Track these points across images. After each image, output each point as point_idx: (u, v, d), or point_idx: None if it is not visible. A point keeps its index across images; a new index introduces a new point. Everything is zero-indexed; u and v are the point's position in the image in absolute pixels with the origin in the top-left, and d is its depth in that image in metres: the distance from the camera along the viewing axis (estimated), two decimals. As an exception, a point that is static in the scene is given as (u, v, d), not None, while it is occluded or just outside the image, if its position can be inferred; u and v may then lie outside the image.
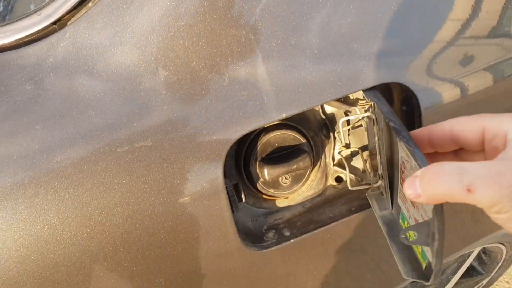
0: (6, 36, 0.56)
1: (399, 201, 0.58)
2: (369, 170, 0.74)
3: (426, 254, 0.46)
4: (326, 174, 0.83)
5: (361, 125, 0.74)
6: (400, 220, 0.59)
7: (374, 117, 0.65)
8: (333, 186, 0.85)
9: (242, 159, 0.73)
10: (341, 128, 0.73)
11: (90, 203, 0.57)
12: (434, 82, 0.70)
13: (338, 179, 0.84)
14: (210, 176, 0.62)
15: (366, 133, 0.74)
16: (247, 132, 0.63)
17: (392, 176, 0.60)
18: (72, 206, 0.57)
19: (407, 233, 0.47)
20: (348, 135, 0.77)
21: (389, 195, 0.63)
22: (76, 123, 0.56)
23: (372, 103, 0.66)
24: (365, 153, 0.76)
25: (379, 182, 0.70)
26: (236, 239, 0.67)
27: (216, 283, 0.70)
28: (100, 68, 0.56)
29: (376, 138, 0.65)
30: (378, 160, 0.68)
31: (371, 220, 0.75)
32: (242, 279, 0.72)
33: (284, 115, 0.68)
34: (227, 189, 0.64)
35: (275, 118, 0.63)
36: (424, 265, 0.47)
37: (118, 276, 0.61)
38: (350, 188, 0.73)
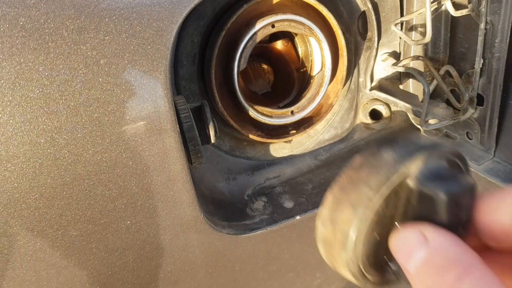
0: None
1: None
2: (463, 91, 0.51)
3: None
4: (357, 105, 0.57)
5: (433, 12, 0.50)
6: None
7: None
8: (366, 126, 0.59)
9: (213, 63, 0.46)
10: (428, 9, 0.45)
11: None
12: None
13: (375, 114, 0.59)
14: (146, 91, 0.36)
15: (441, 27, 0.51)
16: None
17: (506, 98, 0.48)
18: None
19: None
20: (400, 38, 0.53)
21: (495, 128, 0.50)
22: None
23: None
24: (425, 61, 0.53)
25: (470, 111, 0.51)
26: (194, 212, 0.42)
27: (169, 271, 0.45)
28: None
29: (482, 28, 0.45)
30: (477, 70, 0.47)
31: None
32: (205, 276, 0.48)
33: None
34: (180, 117, 0.40)
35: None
36: None
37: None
38: (423, 129, 0.50)
